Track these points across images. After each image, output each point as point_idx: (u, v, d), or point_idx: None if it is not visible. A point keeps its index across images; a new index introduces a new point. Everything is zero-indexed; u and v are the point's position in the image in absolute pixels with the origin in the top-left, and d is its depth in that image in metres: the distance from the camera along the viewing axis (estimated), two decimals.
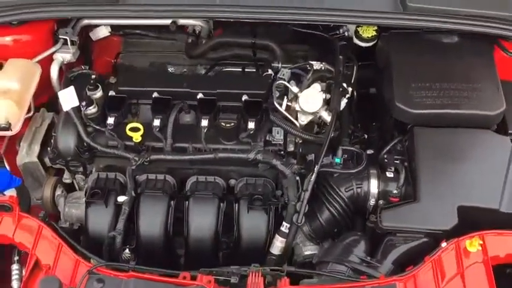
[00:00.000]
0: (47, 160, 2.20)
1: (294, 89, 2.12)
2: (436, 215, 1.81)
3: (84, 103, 2.08)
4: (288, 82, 2.15)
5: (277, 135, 2.05)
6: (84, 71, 2.26)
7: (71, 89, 2.12)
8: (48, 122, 2.27)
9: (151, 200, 1.95)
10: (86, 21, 2.44)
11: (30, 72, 2.22)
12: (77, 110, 2.09)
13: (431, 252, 1.71)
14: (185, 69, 2.68)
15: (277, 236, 1.96)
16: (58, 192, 2.10)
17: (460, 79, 2.04)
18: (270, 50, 2.53)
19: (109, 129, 2.06)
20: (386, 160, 2.00)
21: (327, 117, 2.10)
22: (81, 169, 2.10)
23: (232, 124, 2.03)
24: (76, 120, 2.06)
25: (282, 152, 2.06)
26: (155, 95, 2.15)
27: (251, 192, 1.94)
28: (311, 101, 2.07)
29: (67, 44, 2.39)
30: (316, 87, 2.13)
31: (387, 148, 2.04)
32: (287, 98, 2.13)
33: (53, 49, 2.35)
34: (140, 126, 2.04)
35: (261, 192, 1.94)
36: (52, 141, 2.16)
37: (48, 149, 2.15)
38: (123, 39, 2.77)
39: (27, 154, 2.17)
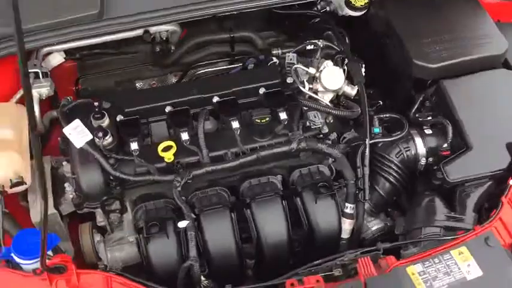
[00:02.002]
0: (62, 208, 1.93)
1: (311, 70, 2.06)
2: (491, 157, 1.87)
3: (100, 134, 1.84)
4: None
5: (316, 118, 1.98)
6: (80, 100, 2.01)
7: (77, 122, 1.87)
8: (48, 167, 1.98)
9: (213, 217, 1.78)
10: (47, 49, 2.16)
11: (16, 115, 1.92)
12: (92, 143, 1.85)
13: (503, 192, 1.76)
14: (154, 82, 2.50)
15: (343, 219, 1.90)
16: (97, 238, 1.85)
17: (461, 28, 2.12)
18: (248, 41, 2.45)
19: (136, 156, 1.85)
20: (420, 119, 2.03)
21: (350, 91, 2.07)
22: (117, 206, 1.86)
23: (268, 119, 1.93)
24: (97, 154, 1.82)
25: (321, 136, 1.99)
26: (168, 109, 1.97)
27: (312, 181, 1.85)
28: (333, 78, 2.03)
29: (38, 78, 2.10)
30: (330, 64, 2.09)
31: (415, 107, 2.07)
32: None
33: None
34: (172, 143, 1.85)
35: (321, 179, 1.86)
36: (67, 186, 1.89)
37: (70, 195, 1.87)
38: (77, 63, 2.50)
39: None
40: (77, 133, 1.85)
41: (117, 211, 1.85)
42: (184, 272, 1.71)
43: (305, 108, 1.99)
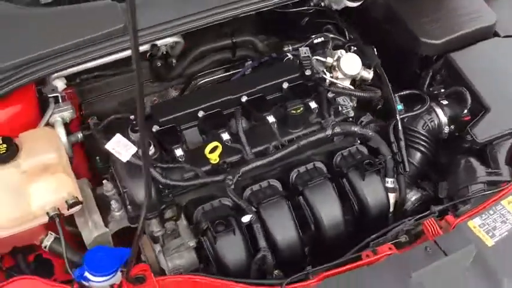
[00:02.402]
0: (110, 227, 1.90)
1: (329, 59, 2.16)
2: (509, 114, 2.03)
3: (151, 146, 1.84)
4: None
5: (345, 102, 2.07)
6: (111, 117, 1.99)
7: (119, 137, 1.86)
8: (88, 189, 1.95)
9: (273, 208, 1.82)
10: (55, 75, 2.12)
11: (52, 138, 1.89)
12: (136, 156, 1.84)
13: None
14: (155, 98, 2.52)
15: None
16: (157, 248, 1.83)
17: (454, 6, 2.29)
18: (248, 45, 2.51)
19: (182, 161, 1.86)
20: (435, 92, 2.17)
21: (367, 75, 2.18)
22: (170, 215, 1.85)
23: (302, 108, 1.99)
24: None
25: (350, 119, 2.08)
26: (201, 113, 2.00)
27: (356, 161, 1.93)
28: (352, 64, 2.13)
29: (58, 102, 2.07)
30: (343, 53, 2.20)
31: (427, 82, 2.21)
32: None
33: (49, 112, 2.02)
34: (218, 144, 1.88)
35: (362, 158, 1.94)
36: (113, 203, 1.87)
37: (117, 212, 1.85)
38: (76, 89, 2.47)
39: (95, 227, 1.84)
40: (120, 147, 1.84)
41: (174, 218, 1.84)
42: (257, 264, 1.73)
43: (330, 95, 2.07)
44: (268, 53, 2.46)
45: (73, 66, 1.94)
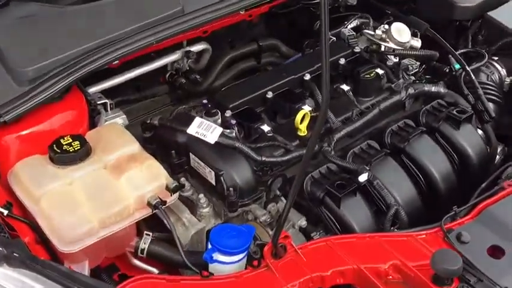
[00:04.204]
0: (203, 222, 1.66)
1: (378, 32, 2.12)
2: None
3: (233, 121, 1.66)
4: None
5: (411, 62, 2.02)
6: (177, 110, 1.81)
7: (199, 120, 1.67)
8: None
9: (384, 165, 1.68)
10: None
11: (121, 131, 1.67)
12: (225, 135, 1.65)
13: None
14: None
15: None
16: (270, 232, 1.59)
17: None
18: (273, 49, 2.44)
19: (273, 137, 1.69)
20: (484, 50, 2.19)
21: (416, 42, 2.16)
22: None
23: (374, 73, 1.91)
24: (238, 143, 1.63)
25: (417, 81, 2.02)
26: (270, 94, 1.86)
27: (447, 111, 1.84)
28: (402, 32, 2.11)
29: (106, 110, 1.86)
30: (386, 26, 2.18)
31: (470, 43, 2.23)
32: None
33: (102, 119, 1.80)
34: (307, 111, 1.74)
35: (451, 108, 1.86)
36: (201, 197, 1.64)
37: (205, 208, 1.62)
38: None
39: (191, 225, 1.59)
40: (204, 130, 1.64)
41: (277, 200, 1.64)
42: (390, 221, 1.55)
43: (395, 59, 2.01)
44: (293, 55, 2.39)
45: (118, 58, 1.74)
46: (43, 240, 1.39)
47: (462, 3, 2.20)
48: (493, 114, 1.92)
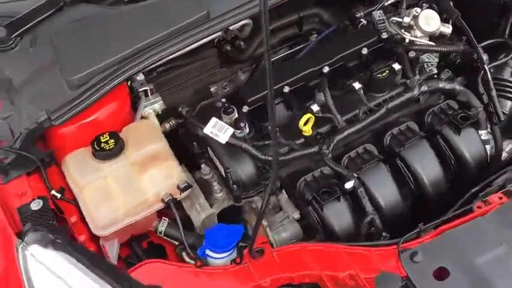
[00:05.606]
0: (214, 208, 1.98)
1: (406, 19, 2.15)
2: None
3: (242, 124, 1.90)
4: None
5: (429, 59, 2.06)
6: (201, 103, 2.07)
7: (214, 120, 1.93)
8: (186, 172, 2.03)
9: (373, 172, 1.85)
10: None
11: (152, 128, 1.99)
12: (234, 136, 1.91)
13: None
14: (226, 83, 2.56)
15: None
16: (265, 223, 1.90)
17: None
18: (315, 19, 2.51)
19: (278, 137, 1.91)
20: None
21: (446, 29, 2.16)
22: (276, 187, 1.91)
23: (387, 72, 2.00)
24: (244, 144, 1.88)
25: (435, 76, 2.07)
26: (287, 89, 2.04)
27: (450, 116, 1.92)
28: (430, 20, 2.12)
29: (147, 95, 2.16)
30: (418, 10, 2.18)
31: (508, 30, 2.17)
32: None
33: (142, 105, 2.11)
34: (311, 115, 1.92)
35: (455, 113, 1.94)
36: (215, 184, 1.96)
37: (219, 193, 1.93)
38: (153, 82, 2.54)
39: (202, 210, 1.93)
40: (217, 130, 1.91)
41: (276, 193, 1.91)
42: (366, 227, 1.78)
43: (412, 54, 2.06)
44: (336, 23, 2.46)
45: (161, 59, 2.00)
46: (84, 220, 1.82)
47: None
48: (502, 118, 1.96)
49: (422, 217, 1.80)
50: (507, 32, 2.18)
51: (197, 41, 2.00)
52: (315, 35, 2.46)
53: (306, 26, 2.49)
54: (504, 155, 2.05)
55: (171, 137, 2.05)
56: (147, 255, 1.93)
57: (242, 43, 2.43)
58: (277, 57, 2.47)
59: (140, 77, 2.20)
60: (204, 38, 2.01)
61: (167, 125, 2.14)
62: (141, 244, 1.96)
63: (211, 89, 2.51)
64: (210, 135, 1.91)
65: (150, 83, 2.31)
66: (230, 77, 2.53)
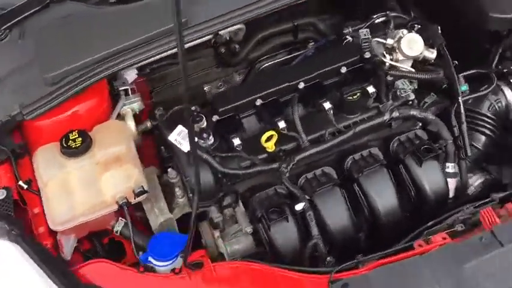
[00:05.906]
0: (175, 213, 2.03)
1: (390, 41, 2.11)
2: None
3: (205, 135, 1.93)
4: None
5: (404, 85, 2.03)
6: (174, 108, 2.11)
7: (180, 128, 1.97)
8: (154, 176, 2.09)
9: (327, 196, 1.86)
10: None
11: (123, 130, 2.04)
12: (197, 146, 1.94)
13: None
14: (220, 83, 2.58)
15: (447, 179, 1.94)
16: (216, 234, 1.94)
17: None
18: (309, 27, 2.50)
19: (240, 150, 1.94)
20: (505, 70, 2.06)
21: (430, 55, 2.11)
22: (229, 201, 1.95)
23: (358, 95, 1.98)
24: (205, 155, 1.92)
25: (410, 103, 2.03)
26: (259, 102, 2.05)
27: (415, 146, 1.90)
28: (413, 44, 2.07)
29: (128, 94, 2.21)
30: (405, 32, 2.13)
31: (496, 58, 2.10)
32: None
33: (120, 104, 2.17)
34: (274, 132, 1.93)
35: (421, 143, 1.91)
36: (177, 190, 2.00)
37: (181, 198, 1.98)
38: (147, 78, 2.59)
39: (161, 213, 1.99)
40: (181, 138, 1.95)
41: (232, 205, 1.94)
42: (309, 251, 1.79)
43: (389, 78, 2.03)
44: (330, 34, 2.45)
45: (141, 61, 2.04)
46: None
47: (497, 13, 2.06)
48: (469, 153, 1.92)
49: (379, 244, 1.80)
50: (495, 61, 2.10)
51: (174, 48, 2.02)
52: (311, 44, 2.45)
53: (301, 35, 2.49)
54: (472, 189, 2.00)
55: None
56: (105, 251, 2.01)
57: (237, 46, 2.45)
58: (266, 64, 2.49)
59: (128, 74, 2.27)
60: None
61: (148, 124, 2.20)
62: (102, 240, 2.04)
63: (205, 88, 2.56)
64: (174, 142, 1.95)
65: (140, 79, 2.38)
66: (225, 78, 2.57)
